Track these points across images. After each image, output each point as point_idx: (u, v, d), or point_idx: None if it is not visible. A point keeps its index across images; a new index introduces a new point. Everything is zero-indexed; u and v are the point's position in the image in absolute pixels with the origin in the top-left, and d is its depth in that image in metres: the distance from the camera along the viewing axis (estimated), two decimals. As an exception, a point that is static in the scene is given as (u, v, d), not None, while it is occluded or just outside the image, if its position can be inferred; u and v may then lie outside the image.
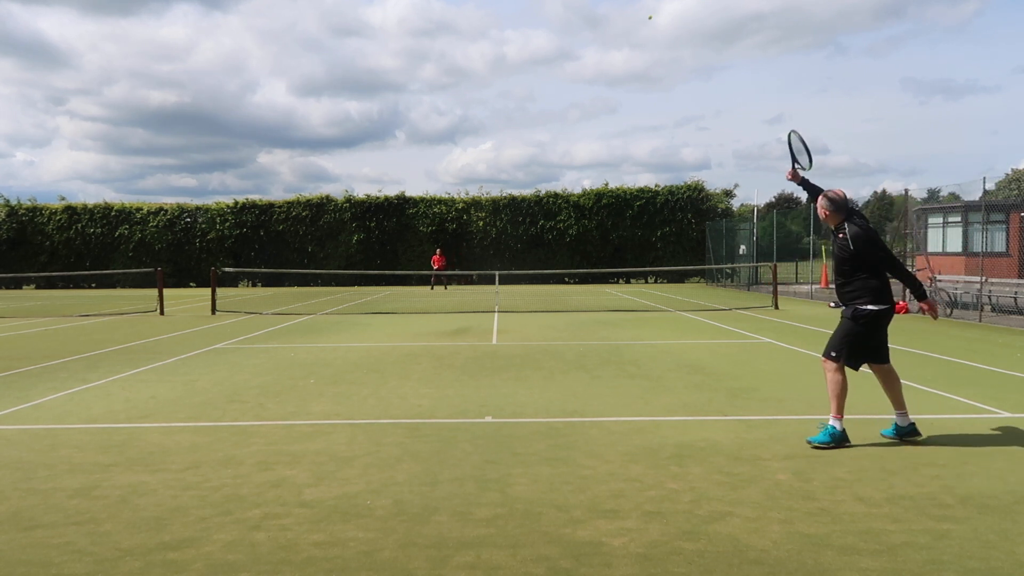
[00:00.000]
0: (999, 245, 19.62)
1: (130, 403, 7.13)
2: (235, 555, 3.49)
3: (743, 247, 28.60)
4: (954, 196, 25.75)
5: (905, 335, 11.61)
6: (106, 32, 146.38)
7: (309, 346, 11.53)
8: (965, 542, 3.53)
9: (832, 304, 17.87)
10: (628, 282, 35.57)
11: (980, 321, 14.10)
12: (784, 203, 59.20)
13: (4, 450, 5.45)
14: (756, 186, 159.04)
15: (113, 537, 3.72)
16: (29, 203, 37.81)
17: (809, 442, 5.20)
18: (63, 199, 38.45)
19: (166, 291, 22.95)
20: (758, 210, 30.39)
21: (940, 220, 21.39)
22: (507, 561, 3.38)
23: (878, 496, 4.19)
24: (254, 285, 36.97)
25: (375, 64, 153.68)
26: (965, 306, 15.84)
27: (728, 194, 36.84)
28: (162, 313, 18.24)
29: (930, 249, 20.97)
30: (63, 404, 7.13)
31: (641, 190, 36.00)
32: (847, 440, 5.18)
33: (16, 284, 37.04)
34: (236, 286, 36.20)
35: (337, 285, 35.64)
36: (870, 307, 5.21)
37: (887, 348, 5.44)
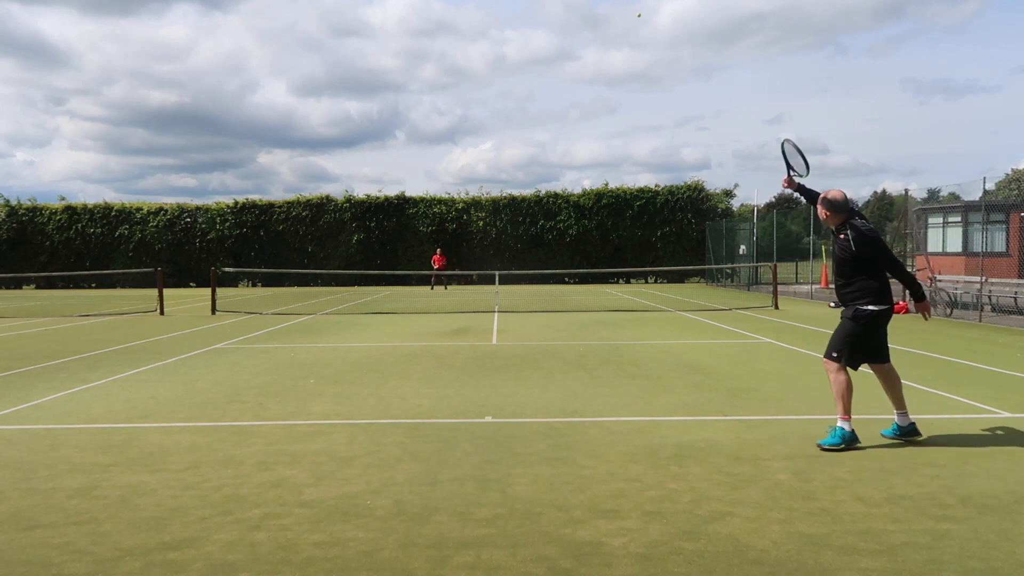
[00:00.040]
0: (999, 245, 19.62)
1: (130, 403, 7.13)
2: (235, 555, 3.49)
3: (743, 247, 28.60)
4: (954, 196, 25.77)
5: (905, 335, 11.60)
6: (106, 32, 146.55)
7: (309, 346, 11.53)
8: (965, 542, 3.53)
9: (832, 304, 17.86)
10: (628, 282, 35.56)
11: (980, 321, 14.10)
12: (784, 203, 59.12)
13: (4, 450, 5.45)
14: (756, 186, 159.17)
15: (113, 537, 3.72)
16: (29, 203, 37.83)
17: (819, 445, 5.15)
18: (63, 199, 38.50)
19: (166, 291, 22.95)
20: (758, 210, 30.38)
21: (940, 220, 21.39)
22: (507, 561, 3.38)
23: (878, 496, 4.19)
24: (254, 285, 36.97)
25: (375, 64, 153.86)
26: (965, 306, 15.83)
27: (728, 194, 36.89)
28: (162, 313, 18.24)
29: (930, 249, 20.97)
30: (63, 404, 7.13)
31: (641, 190, 36.00)
32: (857, 441, 5.15)
33: (16, 284, 37.05)
34: (236, 286, 36.20)
35: (337, 285, 35.64)
36: (871, 307, 5.20)
37: (887, 348, 5.44)
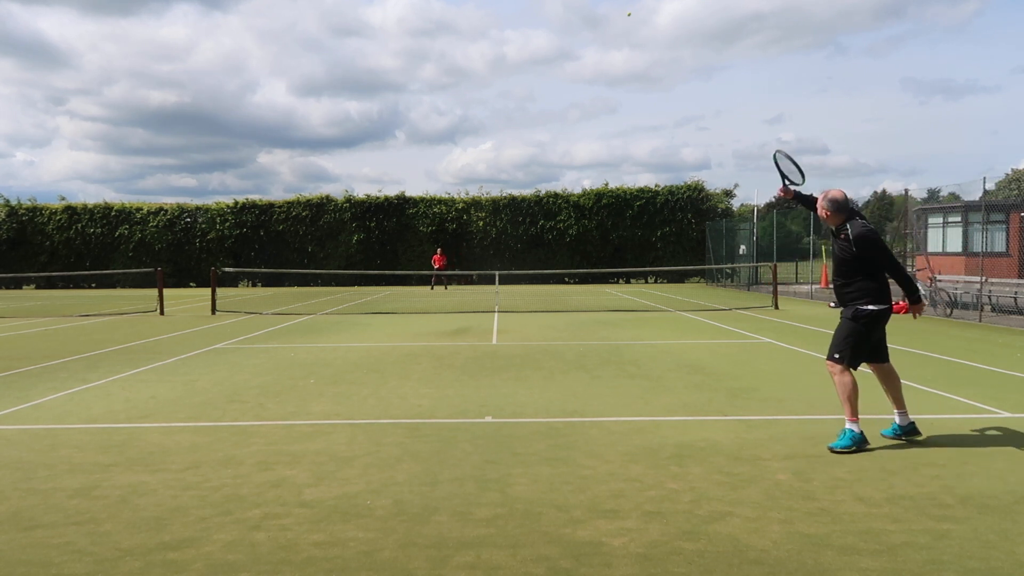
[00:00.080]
0: (999, 245, 19.62)
1: (130, 403, 7.13)
2: (235, 555, 3.49)
3: (743, 247, 28.60)
4: (954, 196, 25.74)
5: (905, 335, 11.60)
6: (106, 32, 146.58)
7: (309, 346, 11.53)
8: (965, 542, 3.53)
9: (832, 304, 17.86)
10: (628, 282, 35.57)
11: (980, 321, 14.10)
12: (784, 203, 59.13)
13: (4, 450, 5.45)
14: (756, 186, 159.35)
15: (113, 537, 3.72)
16: (29, 203, 37.83)
17: (830, 448, 5.11)
18: (63, 199, 38.49)
19: (166, 291, 22.95)
20: (758, 210, 30.39)
21: (940, 220, 21.39)
22: (507, 561, 3.38)
23: (878, 496, 4.19)
24: (254, 285, 36.97)
25: (375, 64, 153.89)
26: (965, 306, 15.83)
27: (728, 194, 36.87)
28: (162, 313, 18.24)
29: (930, 249, 20.97)
30: (63, 404, 7.13)
31: (641, 190, 36.01)
32: (867, 442, 5.14)
33: (16, 284, 37.04)
34: (236, 286, 36.20)
35: (337, 285, 35.64)
36: (870, 307, 5.20)
37: (886, 347, 5.44)
